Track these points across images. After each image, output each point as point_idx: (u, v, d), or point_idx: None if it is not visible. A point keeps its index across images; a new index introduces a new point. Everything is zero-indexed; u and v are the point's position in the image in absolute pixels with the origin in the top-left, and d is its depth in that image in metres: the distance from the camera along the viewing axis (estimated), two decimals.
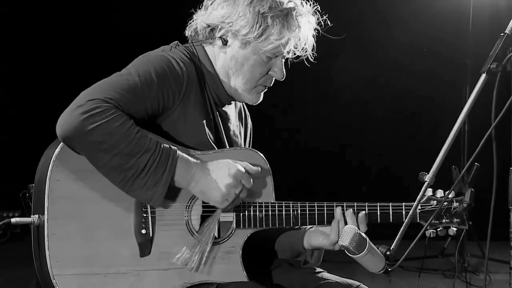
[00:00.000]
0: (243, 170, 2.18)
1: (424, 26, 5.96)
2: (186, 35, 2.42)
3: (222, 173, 2.15)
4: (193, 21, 2.39)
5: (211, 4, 2.34)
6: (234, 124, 2.51)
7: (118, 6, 6.01)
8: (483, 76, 2.09)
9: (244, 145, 2.58)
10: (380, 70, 6.20)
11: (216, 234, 2.26)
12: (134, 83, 2.14)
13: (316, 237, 2.41)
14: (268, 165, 2.33)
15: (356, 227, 2.02)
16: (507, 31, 2.12)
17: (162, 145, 2.10)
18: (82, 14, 6.03)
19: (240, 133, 2.55)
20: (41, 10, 5.99)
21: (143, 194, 2.10)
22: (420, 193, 2.06)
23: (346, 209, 2.36)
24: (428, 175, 2.07)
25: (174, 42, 2.39)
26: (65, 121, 2.04)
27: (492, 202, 2.17)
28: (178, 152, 2.13)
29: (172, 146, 2.13)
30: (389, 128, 6.34)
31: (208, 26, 2.34)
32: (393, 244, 2.01)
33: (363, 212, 2.36)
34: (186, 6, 2.46)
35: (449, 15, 5.84)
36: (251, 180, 2.20)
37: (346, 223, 2.33)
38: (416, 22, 5.97)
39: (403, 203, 2.42)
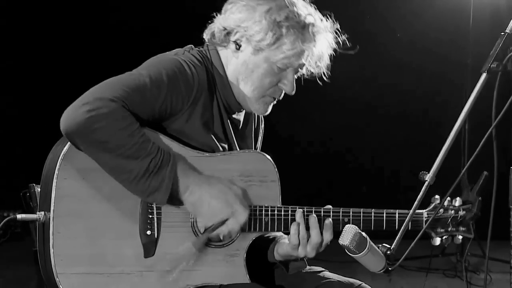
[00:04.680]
0: (240, 203, 2.17)
1: (425, 25, 5.96)
2: (204, 37, 2.40)
3: (219, 200, 2.15)
4: (212, 24, 2.37)
5: (231, 7, 2.32)
6: (244, 130, 2.50)
7: (119, 5, 6.01)
8: (484, 76, 2.09)
9: (255, 147, 2.55)
10: (380, 70, 6.19)
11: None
12: (144, 83, 2.14)
13: (281, 245, 2.36)
14: (275, 168, 2.31)
15: (356, 226, 2.02)
16: (507, 30, 2.12)
17: (163, 151, 2.10)
18: (85, 13, 6.03)
19: (251, 137, 2.53)
20: (44, 9, 5.99)
21: (147, 195, 2.11)
22: (421, 193, 2.06)
23: (308, 215, 2.27)
24: (428, 175, 2.07)
25: (188, 46, 2.37)
26: (70, 116, 2.04)
27: (492, 201, 2.17)
28: (177, 159, 2.13)
29: (171, 153, 2.13)
30: (389, 128, 6.33)
31: (225, 29, 2.32)
32: (394, 244, 2.01)
33: (329, 219, 2.27)
34: (190, 5, 2.45)
35: (450, 15, 5.84)
36: (246, 215, 2.18)
37: (308, 228, 2.26)
38: (417, 22, 5.96)
39: (397, 211, 2.35)
